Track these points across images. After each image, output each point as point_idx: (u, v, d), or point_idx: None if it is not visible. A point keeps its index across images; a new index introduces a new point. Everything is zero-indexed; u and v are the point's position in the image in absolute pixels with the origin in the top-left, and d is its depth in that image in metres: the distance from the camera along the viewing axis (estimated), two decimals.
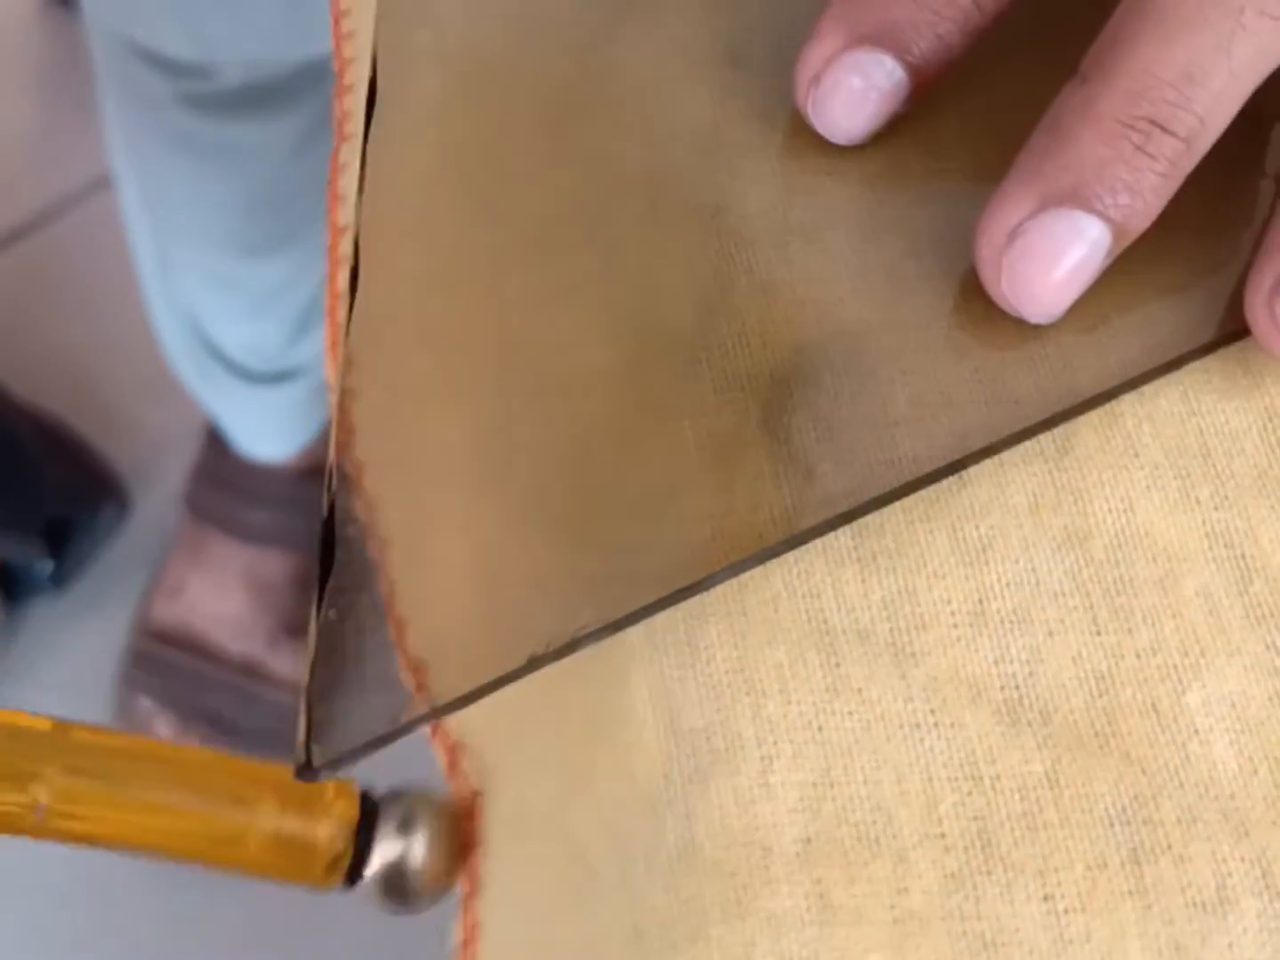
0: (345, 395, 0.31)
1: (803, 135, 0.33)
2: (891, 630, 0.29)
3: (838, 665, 0.29)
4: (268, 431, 1.15)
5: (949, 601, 0.30)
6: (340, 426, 0.31)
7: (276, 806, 0.29)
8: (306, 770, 0.29)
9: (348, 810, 0.30)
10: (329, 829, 0.30)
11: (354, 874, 0.30)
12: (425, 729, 0.33)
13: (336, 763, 0.29)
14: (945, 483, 0.31)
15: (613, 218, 0.33)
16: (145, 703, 1.17)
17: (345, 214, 0.39)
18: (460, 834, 0.31)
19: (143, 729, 1.17)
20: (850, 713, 0.29)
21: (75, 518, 1.18)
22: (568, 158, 0.34)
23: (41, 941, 1.14)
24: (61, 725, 0.30)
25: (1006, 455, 0.31)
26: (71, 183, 1.36)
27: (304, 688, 0.29)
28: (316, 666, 0.29)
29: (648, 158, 0.34)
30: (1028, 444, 0.31)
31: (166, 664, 1.17)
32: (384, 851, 0.30)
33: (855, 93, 0.32)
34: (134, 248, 1.06)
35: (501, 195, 0.34)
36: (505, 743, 0.33)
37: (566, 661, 0.30)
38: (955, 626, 0.29)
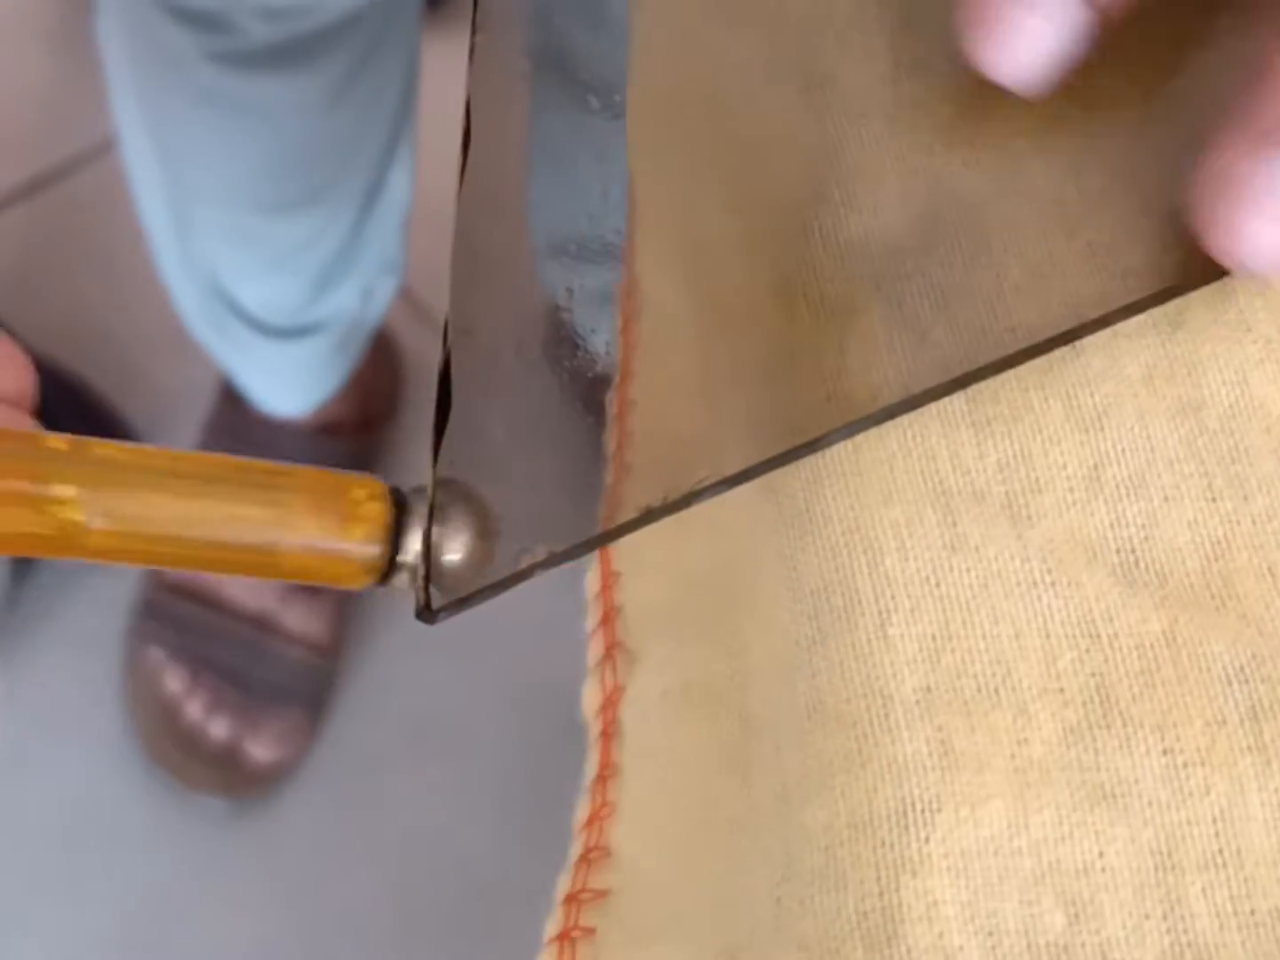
0: (459, 253, 0.31)
1: (913, 11, 0.33)
2: (1007, 492, 0.29)
3: (954, 524, 0.29)
4: (285, 387, 1.15)
5: (1064, 466, 0.30)
6: (456, 283, 0.31)
7: (309, 514, 0.29)
8: (426, 612, 0.29)
9: (380, 512, 0.29)
10: (362, 532, 0.29)
11: (387, 573, 0.30)
12: (593, 623, 0.33)
13: (456, 606, 0.29)
14: (1059, 353, 0.31)
15: (726, 92, 0.33)
16: (156, 654, 1.17)
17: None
18: (490, 519, 0.30)
19: (153, 681, 1.16)
20: (968, 569, 0.29)
21: None
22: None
23: (49, 886, 1.14)
24: (79, 441, 0.29)
25: (1120, 327, 0.31)
26: (89, 138, 1.35)
27: (424, 531, 0.29)
28: (436, 510, 0.29)
29: (759, 32, 0.34)
30: (1140, 317, 0.31)
31: (177, 616, 1.17)
32: (414, 546, 0.30)
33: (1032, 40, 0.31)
34: (142, 207, 1.06)
35: None
36: (659, 629, 0.33)
37: (715, 549, 0.30)
38: (1071, 490, 0.30)
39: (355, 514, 0.29)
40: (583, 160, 0.35)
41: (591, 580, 0.34)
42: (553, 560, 0.29)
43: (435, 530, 0.29)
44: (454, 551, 0.29)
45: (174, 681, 1.16)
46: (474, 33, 0.34)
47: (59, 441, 0.29)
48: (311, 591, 1.18)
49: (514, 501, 0.30)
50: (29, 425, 0.31)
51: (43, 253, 1.32)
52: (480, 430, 0.30)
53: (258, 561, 0.29)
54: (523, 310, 0.33)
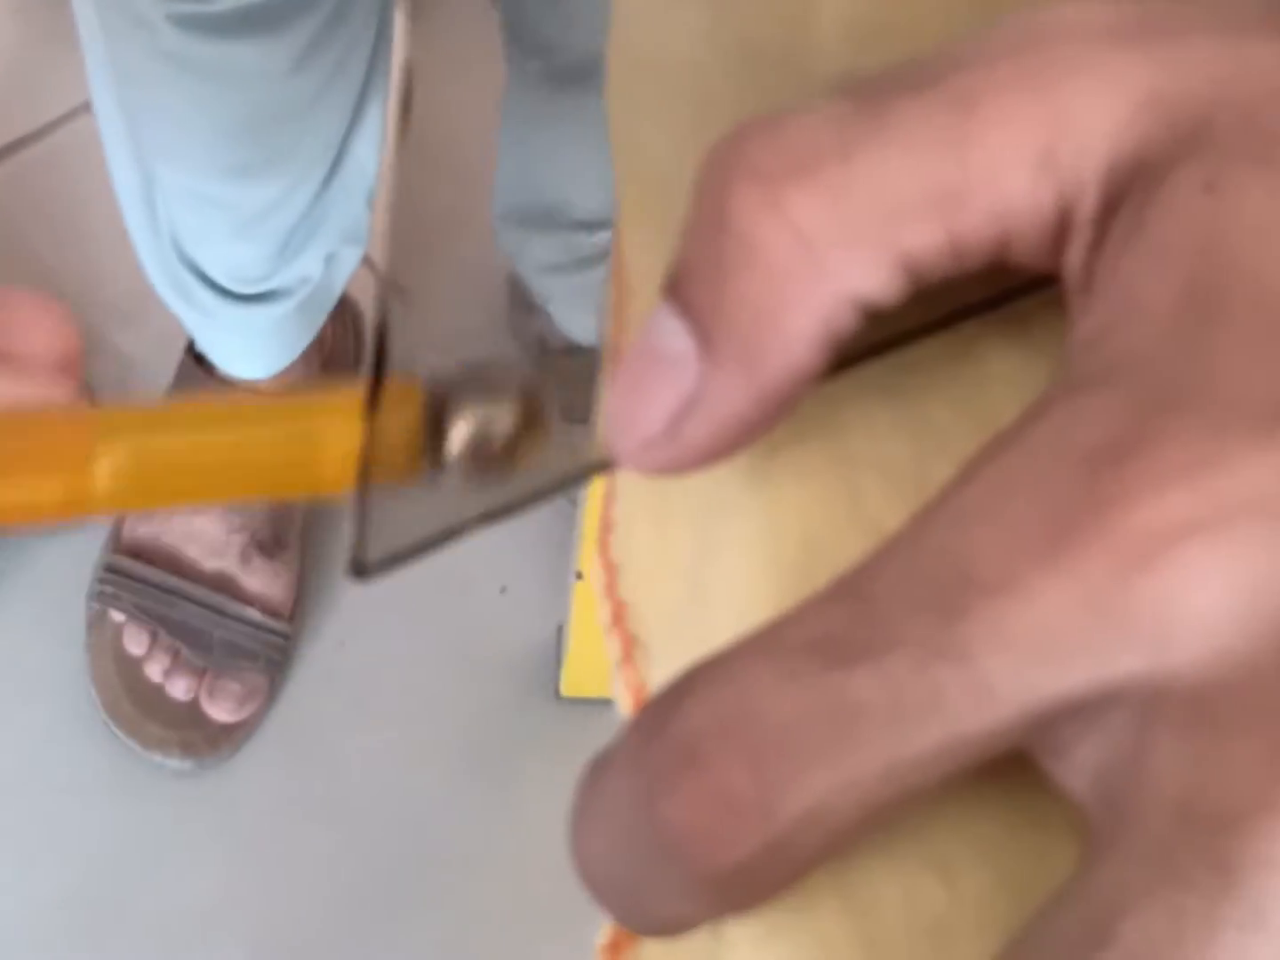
0: (397, 213, 0.32)
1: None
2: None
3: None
4: (248, 351, 1.15)
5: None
6: (394, 242, 0.31)
7: (341, 424, 0.29)
8: (360, 569, 0.29)
9: (413, 397, 0.29)
10: (399, 422, 0.29)
11: (436, 458, 0.30)
12: (607, 620, 0.34)
13: (389, 562, 0.29)
14: None
15: (694, 70, 0.33)
16: (117, 616, 1.17)
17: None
18: (538, 398, 0.30)
19: (113, 642, 1.17)
20: None
21: None
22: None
23: (7, 845, 1.15)
24: (110, 407, 0.30)
25: None
26: (54, 106, 1.35)
27: (356, 487, 0.29)
28: (370, 464, 0.29)
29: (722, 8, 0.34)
30: None
31: (138, 578, 1.17)
32: (462, 425, 0.30)
33: None
34: (113, 170, 1.06)
35: None
36: (664, 635, 0.33)
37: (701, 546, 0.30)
38: None
39: (389, 407, 0.29)
40: (543, 131, 0.36)
41: (595, 573, 0.34)
42: (487, 517, 0.29)
43: (483, 412, 0.30)
44: (504, 426, 0.29)
45: (134, 643, 1.17)
46: None
47: (85, 411, 0.29)
48: (270, 553, 1.18)
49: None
50: (72, 394, 0.32)
51: (6, 219, 1.32)
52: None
53: (302, 483, 0.30)
54: (469, 274, 0.34)
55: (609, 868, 0.22)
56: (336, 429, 0.29)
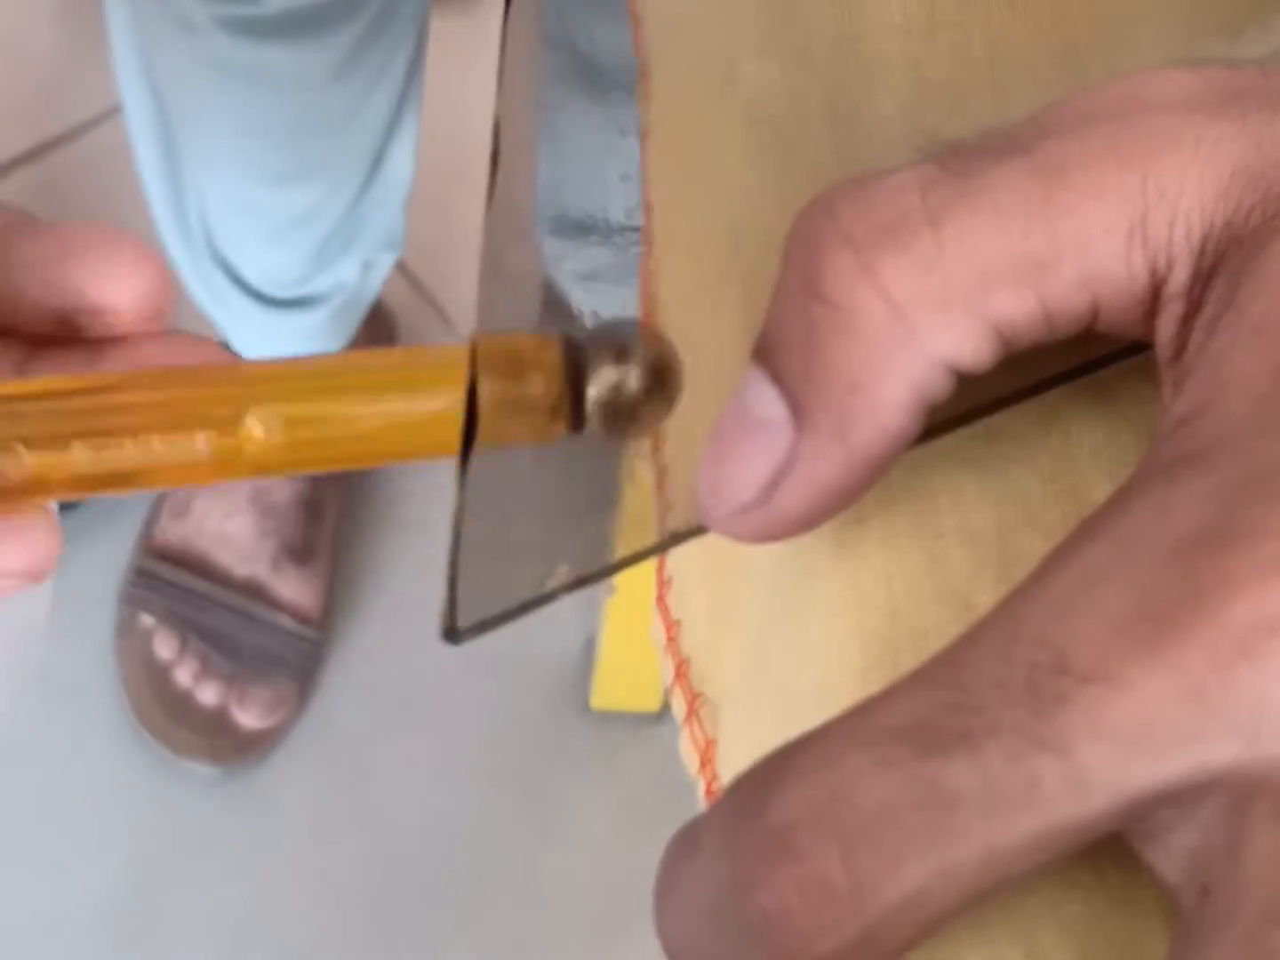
0: (485, 273, 0.31)
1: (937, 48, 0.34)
2: None
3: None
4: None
5: None
6: (483, 304, 0.31)
7: (485, 379, 0.29)
8: (451, 634, 0.29)
9: (553, 359, 0.29)
10: (540, 382, 0.29)
11: (576, 418, 0.30)
12: (670, 676, 0.33)
13: (480, 627, 0.29)
14: None
15: (749, 127, 0.33)
16: (146, 620, 1.17)
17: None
18: (672, 355, 0.30)
19: (143, 647, 1.17)
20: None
21: None
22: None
23: (36, 851, 1.15)
24: (258, 369, 0.30)
25: None
26: (91, 107, 1.35)
27: (449, 552, 0.29)
28: (461, 531, 0.29)
29: (785, 64, 0.34)
30: None
31: (169, 582, 1.17)
32: (599, 386, 0.29)
33: None
34: (143, 174, 1.06)
35: None
36: (734, 693, 0.33)
37: (781, 609, 0.30)
38: None
39: (528, 365, 0.29)
40: (597, 144, 0.35)
41: (656, 630, 0.34)
42: (577, 583, 0.29)
43: (619, 370, 0.29)
44: (634, 386, 0.29)
45: (164, 648, 1.17)
46: (502, 52, 0.34)
47: (235, 365, 0.29)
48: (302, 560, 1.18)
49: (539, 523, 0.30)
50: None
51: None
52: (506, 452, 0.30)
53: (443, 439, 0.29)
54: (546, 329, 0.33)
55: (695, 946, 0.22)
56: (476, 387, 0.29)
